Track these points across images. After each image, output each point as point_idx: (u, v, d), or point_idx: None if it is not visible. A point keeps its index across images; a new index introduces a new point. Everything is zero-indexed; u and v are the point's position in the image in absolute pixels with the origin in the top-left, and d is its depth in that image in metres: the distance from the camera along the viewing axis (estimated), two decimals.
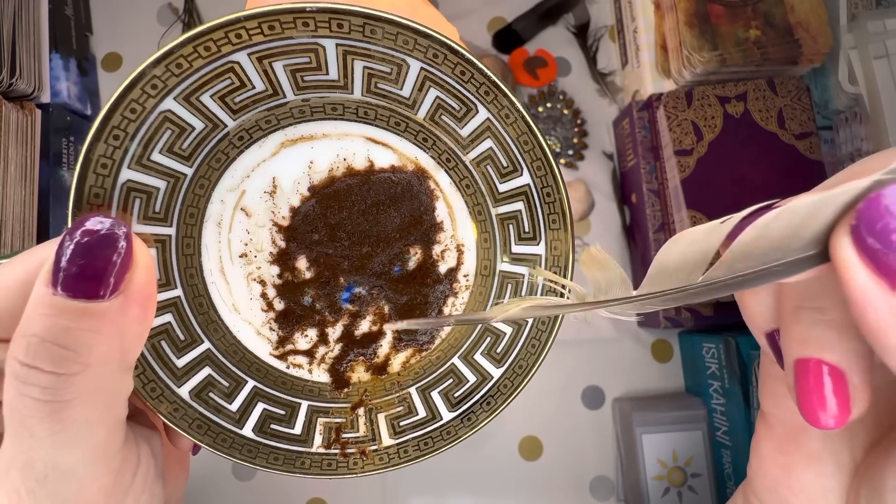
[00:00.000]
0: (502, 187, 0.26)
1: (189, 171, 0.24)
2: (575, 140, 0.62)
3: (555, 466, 0.58)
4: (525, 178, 0.25)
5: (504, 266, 0.27)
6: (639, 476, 0.54)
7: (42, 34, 0.53)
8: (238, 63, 0.22)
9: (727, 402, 0.52)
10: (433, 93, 0.24)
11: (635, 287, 0.17)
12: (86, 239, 0.17)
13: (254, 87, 0.23)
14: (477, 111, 0.24)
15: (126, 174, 0.22)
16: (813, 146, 0.51)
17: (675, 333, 0.61)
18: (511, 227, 0.26)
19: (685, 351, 0.59)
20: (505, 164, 0.25)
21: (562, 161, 0.62)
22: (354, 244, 0.27)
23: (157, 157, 0.23)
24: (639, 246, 0.59)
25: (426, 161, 0.26)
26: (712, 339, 0.54)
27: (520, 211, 0.26)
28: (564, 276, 0.25)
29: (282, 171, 0.26)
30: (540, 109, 0.63)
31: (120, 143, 0.21)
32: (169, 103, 0.22)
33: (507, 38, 0.63)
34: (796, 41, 0.50)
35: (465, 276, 0.27)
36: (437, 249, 0.27)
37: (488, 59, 0.60)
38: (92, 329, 0.16)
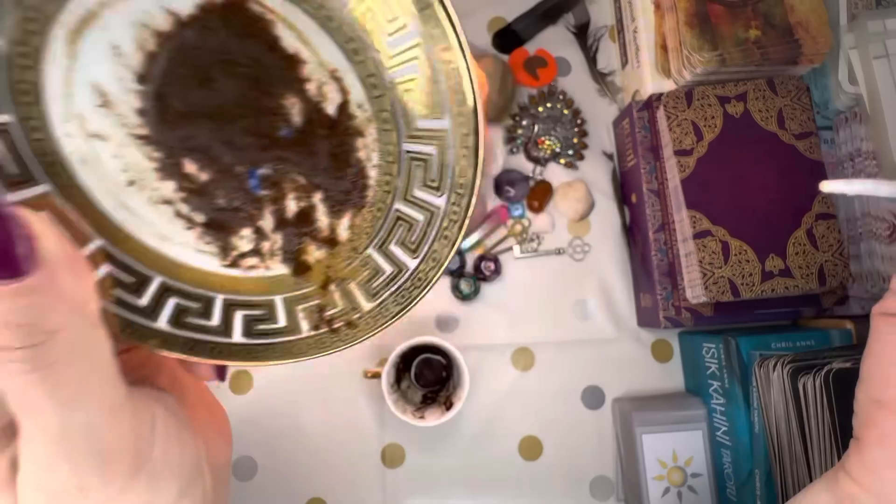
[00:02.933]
0: None
1: (10, 118, 0.21)
2: (575, 140, 0.62)
3: (555, 466, 0.58)
4: None
5: (393, 74, 0.23)
6: (639, 476, 0.54)
7: None
8: None
9: (727, 402, 0.52)
10: None
11: None
12: None
13: None
14: None
15: None
16: (813, 146, 0.51)
17: (675, 333, 0.61)
18: (372, 18, 0.22)
19: (685, 351, 0.59)
20: None
21: (562, 161, 0.62)
22: (223, 124, 0.24)
23: None
24: (639, 246, 0.59)
25: None
26: (712, 339, 0.54)
27: None
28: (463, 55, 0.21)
29: (94, 74, 0.22)
30: (540, 109, 0.63)
31: None
32: None
33: (507, 38, 0.63)
34: (796, 41, 0.50)
35: (359, 106, 0.24)
36: (311, 88, 0.24)
37: (488, 58, 0.60)
38: (34, 304, 0.17)
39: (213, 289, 0.25)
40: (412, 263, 0.25)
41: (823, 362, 0.41)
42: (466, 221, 0.24)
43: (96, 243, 0.23)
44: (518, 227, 0.61)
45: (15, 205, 0.17)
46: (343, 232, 0.26)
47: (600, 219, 0.62)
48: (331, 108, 0.24)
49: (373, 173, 0.25)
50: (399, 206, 0.25)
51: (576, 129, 0.62)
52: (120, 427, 0.19)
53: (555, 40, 0.64)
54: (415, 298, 0.25)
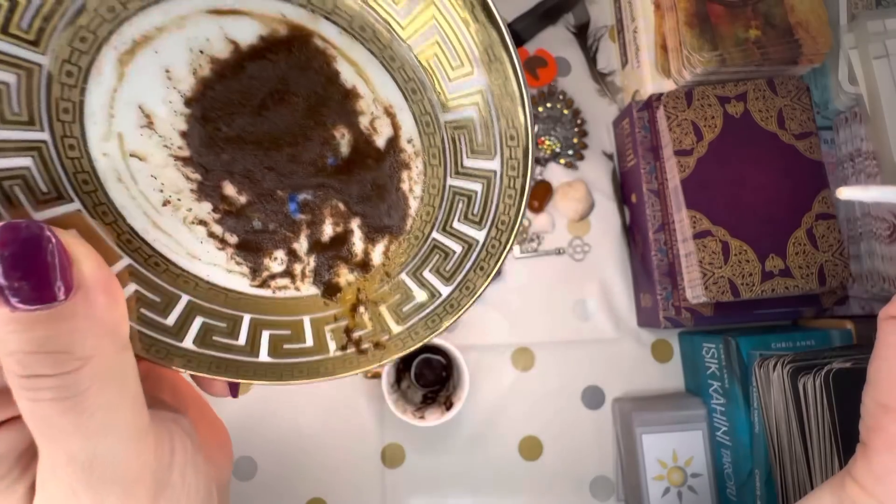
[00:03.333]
0: (403, 18, 0.21)
1: (45, 136, 0.21)
2: (575, 140, 0.62)
3: (555, 466, 0.58)
4: None
5: (449, 115, 0.22)
6: (639, 476, 0.54)
7: None
8: None
9: (727, 402, 0.52)
10: None
11: None
12: (7, 252, 0.16)
13: None
14: None
15: None
16: (813, 146, 0.51)
17: (675, 333, 0.61)
18: (436, 63, 0.21)
19: (685, 351, 0.59)
20: None
21: (561, 161, 0.62)
22: (270, 150, 0.23)
23: None
24: (639, 246, 0.59)
25: (295, 14, 0.21)
26: (712, 339, 0.54)
27: (439, 41, 0.21)
28: (521, 97, 0.21)
29: (141, 94, 0.22)
30: (540, 109, 0.63)
31: None
32: None
33: None
34: (796, 41, 0.50)
35: (408, 141, 0.24)
36: (364, 121, 0.23)
37: None
38: (70, 330, 0.16)
39: (241, 309, 0.25)
40: (445, 291, 0.25)
41: (823, 362, 0.41)
42: (504, 256, 0.24)
43: (124, 262, 0.23)
44: None
45: (49, 226, 0.17)
46: (377, 257, 0.26)
47: (600, 219, 0.62)
48: (380, 142, 0.24)
49: (414, 204, 0.25)
50: (437, 236, 0.25)
51: (576, 129, 0.62)
52: (143, 454, 0.19)
53: (555, 40, 0.64)
54: (445, 324, 0.25)
